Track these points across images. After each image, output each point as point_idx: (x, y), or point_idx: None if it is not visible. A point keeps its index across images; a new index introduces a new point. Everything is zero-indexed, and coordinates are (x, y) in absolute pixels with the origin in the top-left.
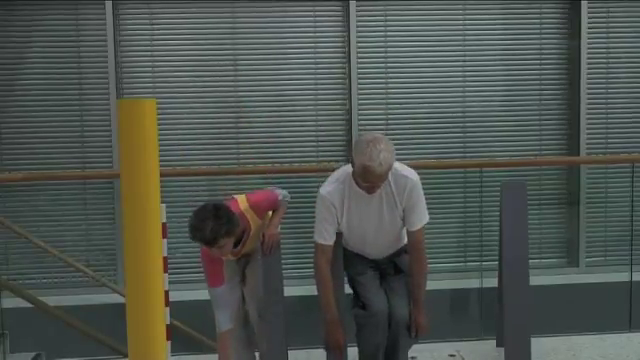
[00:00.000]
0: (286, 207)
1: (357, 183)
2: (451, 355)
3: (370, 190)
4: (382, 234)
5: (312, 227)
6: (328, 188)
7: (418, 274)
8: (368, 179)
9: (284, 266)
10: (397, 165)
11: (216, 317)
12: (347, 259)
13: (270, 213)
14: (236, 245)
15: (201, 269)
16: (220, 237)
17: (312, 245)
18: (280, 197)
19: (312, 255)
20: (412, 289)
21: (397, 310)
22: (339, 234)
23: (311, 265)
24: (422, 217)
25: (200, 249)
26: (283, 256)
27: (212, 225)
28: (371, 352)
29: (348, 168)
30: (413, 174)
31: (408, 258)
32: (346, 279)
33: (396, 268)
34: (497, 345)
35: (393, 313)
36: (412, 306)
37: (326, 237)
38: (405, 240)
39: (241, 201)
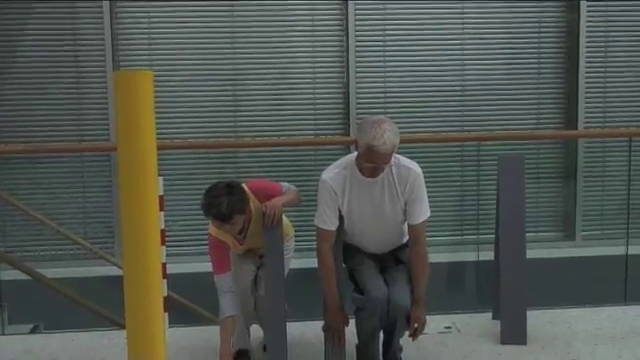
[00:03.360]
0: (297, 198)
1: (360, 170)
2: (447, 327)
3: (373, 173)
4: (383, 226)
5: (311, 200)
6: (330, 174)
7: (418, 270)
8: (372, 159)
9: None
10: (400, 157)
11: (220, 302)
12: (346, 252)
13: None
14: (240, 232)
15: (197, 242)
16: (235, 213)
17: (311, 218)
18: (283, 188)
19: (312, 228)
20: (413, 285)
21: (397, 299)
22: (340, 228)
23: (311, 238)
24: (424, 211)
25: (208, 239)
26: None
27: (227, 200)
28: (367, 337)
29: (352, 155)
30: (416, 166)
31: (408, 252)
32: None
33: (397, 260)
34: (493, 318)
35: (393, 302)
36: (412, 301)
37: (327, 222)
38: (406, 237)
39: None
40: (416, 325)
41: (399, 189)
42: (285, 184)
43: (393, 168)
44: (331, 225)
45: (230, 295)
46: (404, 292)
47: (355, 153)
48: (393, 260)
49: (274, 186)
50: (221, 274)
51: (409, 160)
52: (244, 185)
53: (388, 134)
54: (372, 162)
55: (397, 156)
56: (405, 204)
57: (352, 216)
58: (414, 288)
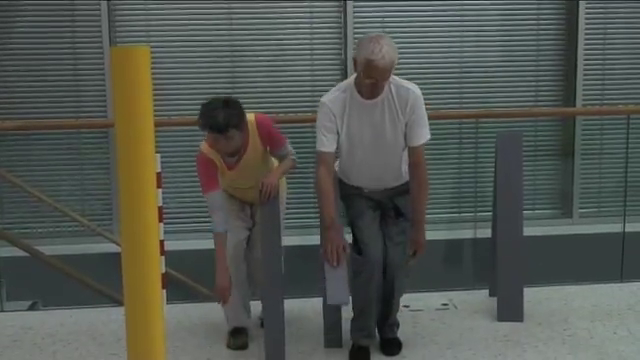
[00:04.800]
0: (293, 165)
1: (359, 92)
2: (444, 304)
3: (372, 91)
4: (383, 151)
5: (308, 177)
6: (329, 96)
7: (419, 194)
8: (371, 74)
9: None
10: (398, 79)
11: (212, 219)
12: (346, 199)
13: (275, 164)
14: (233, 155)
15: (195, 219)
16: (231, 125)
17: (310, 194)
18: (288, 145)
19: (310, 204)
20: (412, 208)
21: (393, 259)
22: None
23: (310, 214)
24: (424, 133)
25: (196, 157)
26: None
27: (224, 112)
28: (362, 307)
29: (351, 78)
30: (415, 87)
31: (409, 193)
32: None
33: (397, 211)
34: (490, 295)
35: (389, 262)
36: (411, 228)
37: (325, 144)
38: (406, 177)
39: (249, 115)
40: (415, 249)
41: (399, 109)
42: (289, 146)
43: (392, 89)
44: (329, 147)
45: (221, 212)
46: (399, 252)
47: (354, 76)
48: (393, 209)
49: (280, 137)
50: (211, 191)
51: (407, 81)
52: (253, 115)
53: (387, 48)
54: (371, 77)
55: (395, 77)
56: (405, 126)
57: (352, 140)
58: (414, 212)
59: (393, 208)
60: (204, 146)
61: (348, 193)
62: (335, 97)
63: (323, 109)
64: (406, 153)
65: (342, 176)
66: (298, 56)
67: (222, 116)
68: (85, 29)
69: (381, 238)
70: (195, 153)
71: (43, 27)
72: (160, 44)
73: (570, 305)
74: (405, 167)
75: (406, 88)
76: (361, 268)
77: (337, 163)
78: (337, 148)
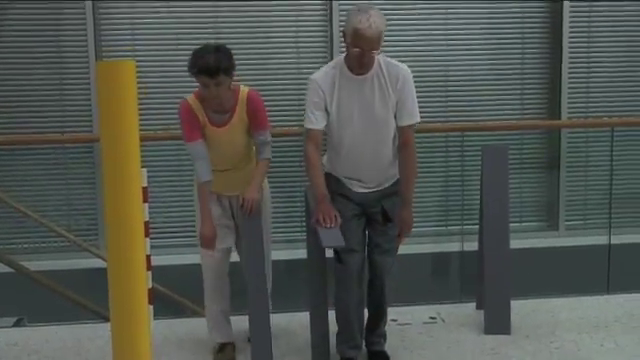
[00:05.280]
0: (268, 165)
1: (349, 68)
2: (432, 317)
3: (360, 62)
4: (373, 131)
5: (295, 191)
6: (319, 73)
7: (407, 173)
8: (358, 44)
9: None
10: (389, 58)
11: (196, 168)
12: (332, 201)
13: (254, 151)
14: (219, 112)
15: (182, 234)
16: (222, 69)
17: (298, 208)
18: (269, 135)
19: (298, 219)
20: (400, 187)
21: (382, 267)
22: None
23: (297, 229)
24: (414, 113)
25: (180, 105)
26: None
27: (215, 56)
28: (344, 316)
29: (342, 56)
30: (406, 67)
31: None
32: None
33: (384, 215)
34: (477, 307)
35: (377, 271)
36: (400, 205)
37: (313, 121)
38: (396, 173)
39: (243, 88)
40: (402, 227)
41: (389, 85)
42: (269, 135)
43: (382, 66)
44: (316, 124)
45: (205, 161)
46: (389, 261)
47: (344, 54)
48: (380, 214)
49: (265, 119)
50: (194, 141)
51: (400, 62)
52: (246, 89)
53: (374, 18)
54: (358, 47)
55: (386, 57)
56: (396, 105)
57: (341, 117)
58: (402, 190)
59: (381, 212)
60: (190, 97)
61: (334, 196)
62: (324, 73)
63: (312, 85)
64: (396, 144)
65: (330, 169)
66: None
67: (213, 59)
68: (70, 43)
69: (364, 247)
70: (180, 169)
71: (28, 41)
72: (146, 58)
73: (557, 317)
74: (395, 160)
75: (396, 65)
76: (341, 276)
77: (325, 157)
78: (326, 129)
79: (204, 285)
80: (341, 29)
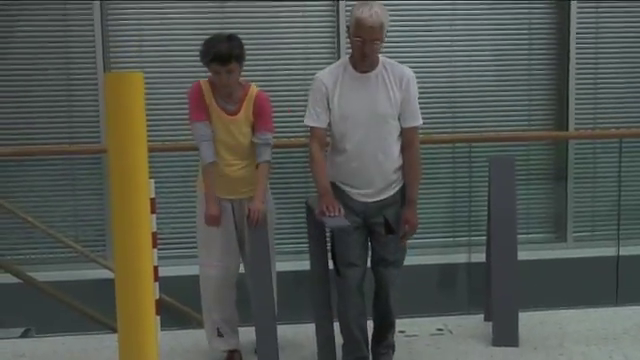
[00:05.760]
0: (269, 169)
1: (354, 66)
2: (439, 329)
3: (362, 52)
4: (376, 127)
5: (301, 201)
6: (323, 71)
7: (411, 174)
8: (359, 32)
9: (276, 241)
10: (393, 60)
11: (200, 150)
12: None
13: (257, 163)
14: (229, 100)
15: (189, 245)
16: (233, 56)
17: (303, 219)
18: (271, 137)
19: (303, 230)
20: (406, 187)
21: (387, 280)
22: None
23: (303, 240)
24: (417, 115)
25: (191, 87)
26: (275, 231)
27: (227, 44)
28: (345, 324)
29: (347, 56)
30: (410, 69)
31: (401, 205)
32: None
33: (387, 226)
34: (485, 319)
35: (382, 283)
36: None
37: (315, 119)
38: (399, 180)
39: (254, 86)
40: (407, 227)
41: (394, 84)
42: (271, 137)
43: (387, 66)
44: (319, 122)
45: (209, 143)
46: (394, 272)
47: (349, 54)
48: (382, 225)
49: (269, 120)
50: (199, 121)
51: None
52: (256, 89)
53: (376, 9)
54: (359, 37)
55: (390, 60)
56: (400, 104)
57: (344, 112)
58: (406, 191)
59: (383, 223)
60: (203, 80)
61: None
62: (328, 70)
63: (315, 83)
64: (399, 146)
65: (332, 176)
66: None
67: (226, 46)
68: (79, 54)
69: (365, 261)
70: (187, 180)
71: (36, 53)
72: (154, 69)
73: (565, 329)
74: (399, 165)
75: (401, 67)
76: (340, 290)
77: (327, 164)
78: (329, 128)
79: (202, 295)
80: (347, 9)
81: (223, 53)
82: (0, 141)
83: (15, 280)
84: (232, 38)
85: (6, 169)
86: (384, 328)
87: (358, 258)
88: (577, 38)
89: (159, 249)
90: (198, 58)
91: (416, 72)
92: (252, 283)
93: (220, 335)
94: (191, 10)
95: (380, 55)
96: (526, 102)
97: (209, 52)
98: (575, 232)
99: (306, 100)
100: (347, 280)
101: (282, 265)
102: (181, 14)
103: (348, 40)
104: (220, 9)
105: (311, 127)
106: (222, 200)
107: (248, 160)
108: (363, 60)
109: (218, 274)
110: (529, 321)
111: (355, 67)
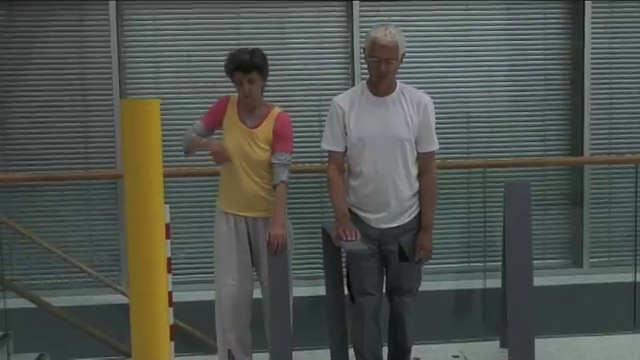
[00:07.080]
0: (286, 190)
1: (371, 90)
2: (455, 356)
3: (378, 72)
4: (393, 151)
5: (317, 227)
6: (340, 95)
7: (427, 197)
8: (375, 52)
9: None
10: (410, 86)
11: (184, 136)
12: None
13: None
14: (252, 111)
15: (204, 270)
16: (256, 66)
17: (319, 244)
18: (289, 157)
19: (320, 255)
20: (421, 212)
21: (403, 309)
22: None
23: (319, 266)
24: (434, 140)
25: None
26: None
27: (250, 54)
28: (360, 351)
29: (364, 81)
30: (427, 96)
31: (417, 232)
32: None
33: (401, 254)
34: (501, 346)
35: (398, 312)
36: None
37: (332, 142)
38: (416, 208)
39: (277, 108)
40: (422, 252)
41: (411, 108)
42: (289, 158)
43: (404, 91)
44: (336, 146)
45: (195, 134)
46: (410, 300)
47: (367, 79)
48: (397, 253)
49: (289, 141)
50: (203, 123)
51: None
52: (279, 110)
53: (392, 31)
54: (375, 56)
55: (408, 86)
56: (417, 129)
57: (361, 135)
58: (422, 216)
59: (398, 251)
60: (232, 96)
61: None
62: (345, 94)
63: (332, 107)
64: (416, 171)
65: (349, 203)
66: (306, 103)
67: (249, 56)
68: (95, 80)
69: (380, 289)
70: (203, 206)
71: (53, 78)
72: (170, 94)
73: (583, 357)
74: (415, 190)
75: (418, 92)
76: (355, 318)
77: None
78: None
79: (216, 316)
80: (362, 35)
81: (247, 61)
82: (16, 166)
83: (30, 305)
84: (255, 50)
85: (23, 194)
86: (399, 355)
87: (374, 286)
88: (592, 64)
89: (174, 274)
90: (214, 84)
91: (432, 97)
92: (270, 309)
93: (232, 358)
94: (207, 33)
95: (398, 81)
96: (541, 127)
97: (232, 61)
98: (591, 258)
99: (319, 125)
100: (363, 309)
101: (298, 290)
102: (197, 36)
103: (364, 63)
104: (236, 37)
105: (329, 151)
106: (237, 218)
107: (265, 178)
108: (380, 81)
109: (235, 293)
110: (546, 348)
111: (372, 91)
